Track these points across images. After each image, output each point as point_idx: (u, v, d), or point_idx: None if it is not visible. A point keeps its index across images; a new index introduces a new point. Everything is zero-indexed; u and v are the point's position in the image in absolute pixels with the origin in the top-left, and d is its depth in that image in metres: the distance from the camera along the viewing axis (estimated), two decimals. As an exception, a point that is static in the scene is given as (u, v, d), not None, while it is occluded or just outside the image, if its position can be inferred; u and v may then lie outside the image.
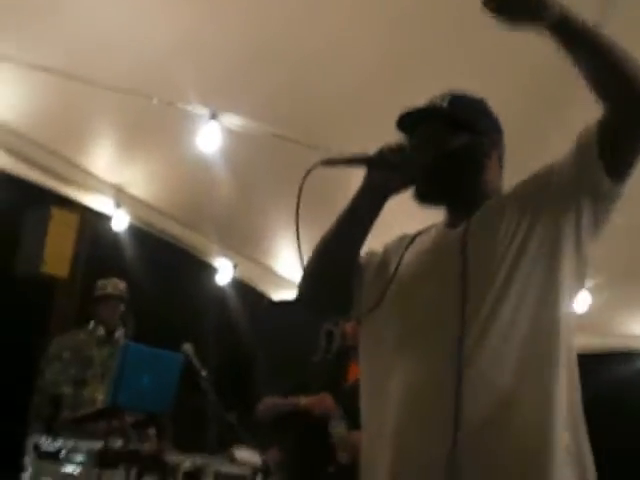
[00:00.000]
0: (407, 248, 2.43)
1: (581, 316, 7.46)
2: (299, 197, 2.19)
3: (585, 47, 2.08)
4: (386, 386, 2.24)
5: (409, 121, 2.40)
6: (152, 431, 5.16)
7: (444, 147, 2.34)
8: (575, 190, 2.20)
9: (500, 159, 2.46)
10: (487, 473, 2.07)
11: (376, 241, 2.50)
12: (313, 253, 2.41)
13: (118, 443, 4.74)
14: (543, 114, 5.16)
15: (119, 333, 5.94)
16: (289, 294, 8.22)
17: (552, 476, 2.07)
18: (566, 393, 2.15)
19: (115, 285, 6.04)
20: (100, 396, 5.66)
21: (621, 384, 9.58)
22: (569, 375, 2.18)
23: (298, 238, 2.23)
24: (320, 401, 4.90)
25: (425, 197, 2.39)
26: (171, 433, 5.08)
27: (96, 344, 5.89)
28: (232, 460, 5.55)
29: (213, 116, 5.64)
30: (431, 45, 4.89)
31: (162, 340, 5.26)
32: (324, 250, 2.40)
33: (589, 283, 7.34)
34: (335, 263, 2.39)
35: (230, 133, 5.80)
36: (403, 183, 2.33)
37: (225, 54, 5.18)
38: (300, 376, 5.18)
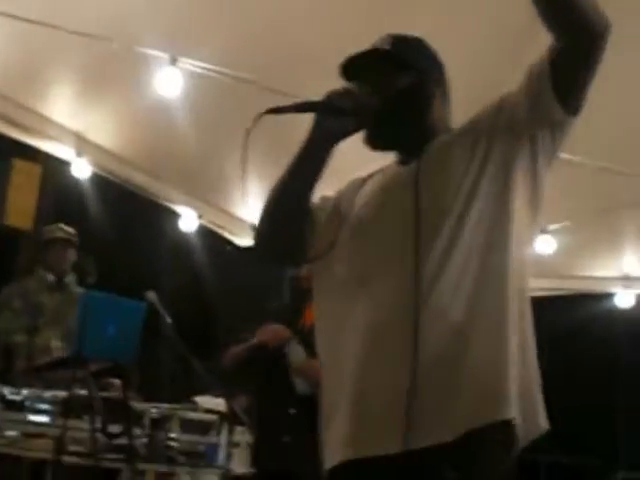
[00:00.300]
0: (359, 190, 2.44)
1: (546, 259, 7.54)
2: (245, 146, 2.16)
3: None
4: (344, 325, 2.26)
5: (353, 67, 2.39)
6: (117, 381, 5.14)
7: (391, 89, 2.35)
8: (528, 120, 2.23)
9: (445, 96, 2.48)
10: (444, 408, 2.10)
11: (328, 186, 2.48)
12: (266, 202, 2.41)
13: (82, 392, 4.72)
14: (506, 54, 5.13)
15: (69, 278, 5.87)
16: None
17: (505, 411, 2.11)
18: (517, 331, 2.19)
19: (62, 229, 5.96)
20: (54, 343, 5.61)
21: (585, 326, 9.67)
22: (520, 313, 2.22)
23: (244, 189, 2.21)
24: (272, 333, 4.89)
25: (377, 141, 2.40)
26: (136, 382, 5.06)
27: (46, 290, 5.83)
28: (196, 408, 5.56)
29: (173, 60, 5.56)
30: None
31: (127, 288, 5.23)
32: (276, 199, 2.39)
33: (553, 226, 7.39)
34: (288, 211, 2.38)
35: (192, 78, 5.72)
36: (352, 128, 2.32)
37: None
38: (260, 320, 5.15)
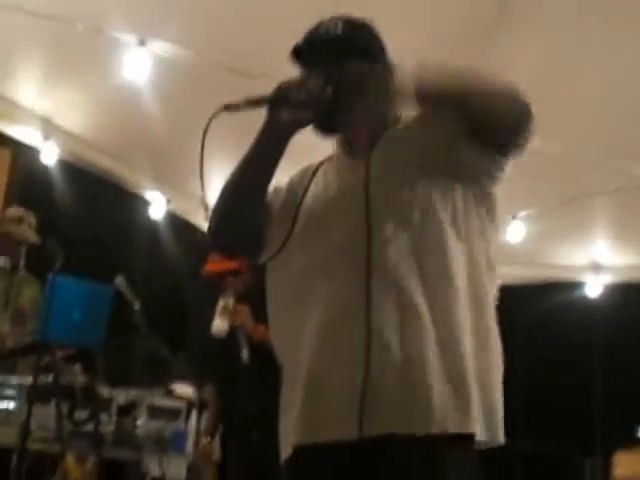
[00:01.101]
0: (311, 181, 2.42)
1: (515, 247, 7.55)
2: (203, 145, 2.14)
3: (455, 103, 2.18)
4: (300, 317, 2.25)
5: (305, 51, 2.37)
6: (77, 367, 5.06)
7: (344, 78, 2.30)
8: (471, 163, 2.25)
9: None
10: (401, 402, 2.09)
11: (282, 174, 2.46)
12: (220, 194, 2.36)
13: (49, 378, 4.67)
14: (475, 39, 5.12)
15: (22, 264, 5.63)
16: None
17: (467, 426, 2.11)
18: (470, 314, 2.20)
19: (24, 218, 5.67)
20: (3, 328, 5.43)
21: (556, 314, 9.70)
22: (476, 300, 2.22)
23: (203, 187, 2.18)
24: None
25: (328, 130, 2.38)
26: (102, 367, 5.01)
27: None
28: (170, 394, 5.53)
29: (141, 42, 5.48)
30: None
31: (95, 274, 5.17)
32: (231, 191, 2.35)
33: (522, 213, 7.40)
34: (242, 207, 2.35)
35: (160, 60, 5.64)
36: (306, 119, 2.27)
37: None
38: None
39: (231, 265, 4.94)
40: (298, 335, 2.24)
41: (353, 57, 2.35)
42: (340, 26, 2.38)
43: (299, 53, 2.38)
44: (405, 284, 2.14)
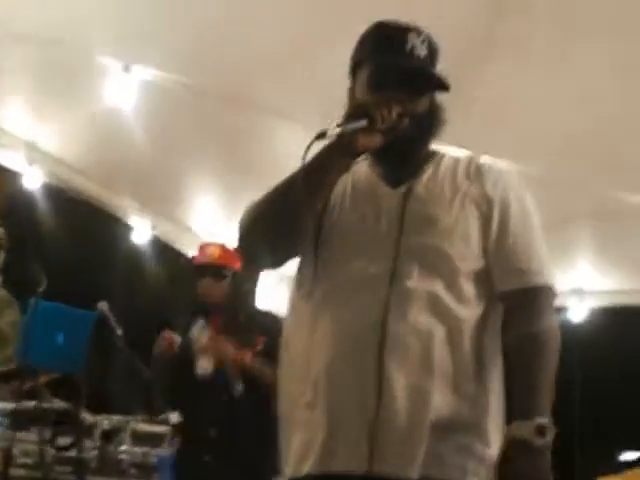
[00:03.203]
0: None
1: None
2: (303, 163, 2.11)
3: None
4: (313, 336, 2.21)
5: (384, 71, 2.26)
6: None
7: (415, 109, 2.24)
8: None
9: None
10: (412, 446, 2.07)
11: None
12: (264, 202, 2.28)
13: (31, 404, 4.64)
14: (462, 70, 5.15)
15: None
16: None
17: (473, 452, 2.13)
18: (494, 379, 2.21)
19: None
20: None
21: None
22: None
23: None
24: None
25: (383, 158, 2.31)
26: (84, 393, 4.96)
27: None
28: (147, 420, 5.49)
29: (126, 68, 5.49)
30: None
31: (78, 299, 5.15)
32: (279, 202, 2.24)
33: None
34: (288, 221, 2.23)
35: (146, 86, 5.65)
36: (377, 145, 2.19)
37: (139, 3, 5.05)
38: None
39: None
40: (313, 350, 2.20)
41: (429, 91, 2.29)
42: (425, 44, 2.28)
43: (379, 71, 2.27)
44: (422, 329, 2.12)
